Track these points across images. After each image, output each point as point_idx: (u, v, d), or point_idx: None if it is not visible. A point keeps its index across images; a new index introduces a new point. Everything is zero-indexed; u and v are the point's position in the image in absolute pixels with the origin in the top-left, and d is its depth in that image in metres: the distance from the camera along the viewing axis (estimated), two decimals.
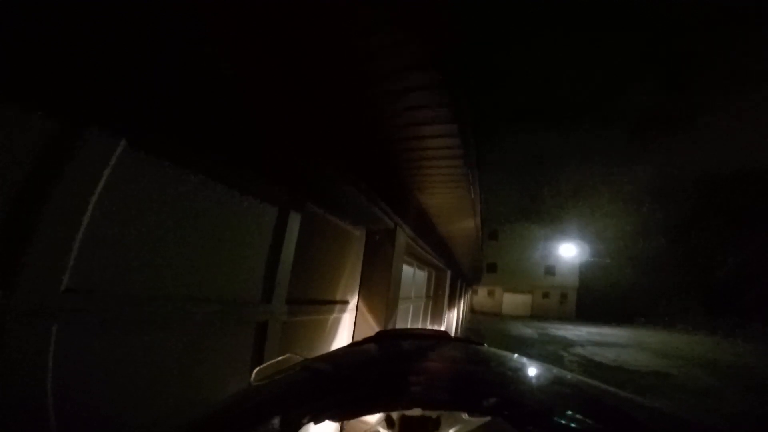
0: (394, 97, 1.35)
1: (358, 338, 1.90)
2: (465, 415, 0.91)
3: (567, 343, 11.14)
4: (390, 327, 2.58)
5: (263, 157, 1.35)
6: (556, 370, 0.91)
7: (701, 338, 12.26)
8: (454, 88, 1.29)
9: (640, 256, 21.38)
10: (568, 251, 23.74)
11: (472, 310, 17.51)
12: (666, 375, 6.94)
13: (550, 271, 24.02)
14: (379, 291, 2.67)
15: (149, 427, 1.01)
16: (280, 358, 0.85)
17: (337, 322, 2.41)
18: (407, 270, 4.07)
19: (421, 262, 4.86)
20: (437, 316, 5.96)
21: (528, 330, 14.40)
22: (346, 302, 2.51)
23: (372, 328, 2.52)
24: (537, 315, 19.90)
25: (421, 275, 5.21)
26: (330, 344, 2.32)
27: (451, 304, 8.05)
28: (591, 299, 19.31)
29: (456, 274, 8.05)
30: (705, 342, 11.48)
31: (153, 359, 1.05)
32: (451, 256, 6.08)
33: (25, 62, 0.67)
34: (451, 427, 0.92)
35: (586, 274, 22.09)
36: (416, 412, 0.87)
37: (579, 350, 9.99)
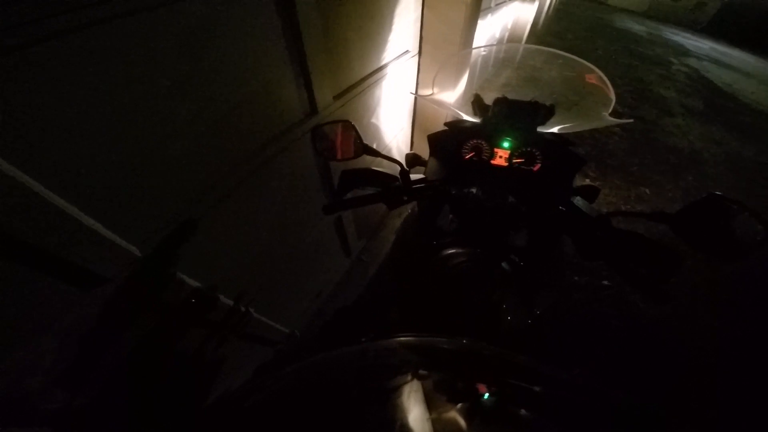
0: None
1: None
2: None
3: (681, 51, 8.81)
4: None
5: None
6: None
7: None
8: None
9: None
10: None
11: None
12: None
13: None
14: None
15: None
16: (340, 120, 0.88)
17: None
18: None
19: None
20: None
21: (637, 26, 11.29)
22: None
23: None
24: (655, 15, 15.08)
25: None
26: (388, 9, 1.67)
27: None
28: (737, 14, 13.75)
29: None
30: None
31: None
32: None
33: None
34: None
35: None
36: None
37: (693, 62, 7.95)
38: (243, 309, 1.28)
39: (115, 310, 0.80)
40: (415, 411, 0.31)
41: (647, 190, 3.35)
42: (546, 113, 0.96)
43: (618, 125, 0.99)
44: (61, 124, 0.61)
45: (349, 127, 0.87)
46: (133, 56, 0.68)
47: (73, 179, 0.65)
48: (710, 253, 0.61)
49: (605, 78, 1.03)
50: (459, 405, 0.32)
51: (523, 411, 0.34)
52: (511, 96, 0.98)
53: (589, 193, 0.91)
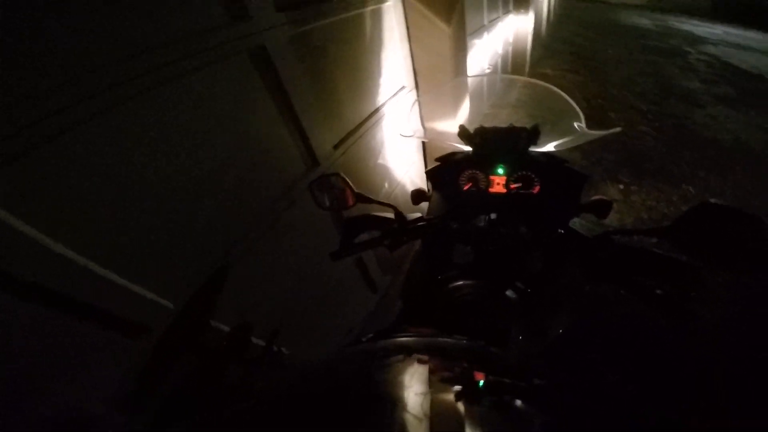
0: None
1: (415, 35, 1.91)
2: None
3: (695, 40, 8.50)
4: (457, 17, 1.96)
5: None
6: None
7: None
8: None
9: None
10: None
11: None
12: None
13: None
14: None
15: None
16: (331, 173, 0.90)
17: (376, 17, 1.65)
18: None
19: None
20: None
21: (643, 20, 11.11)
22: None
23: (434, 24, 1.88)
24: (656, 6, 14.85)
25: None
26: (373, 50, 1.69)
27: None
28: None
29: None
30: None
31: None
32: None
33: None
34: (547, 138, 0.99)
35: None
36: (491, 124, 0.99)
37: (710, 49, 7.62)
38: (275, 349, 1.33)
39: (157, 355, 0.90)
40: (415, 387, 0.32)
41: (691, 188, 3.06)
42: (530, 135, 0.95)
43: (607, 135, 0.95)
44: (102, 211, 0.75)
45: (339, 179, 0.90)
46: (147, 135, 0.81)
47: (112, 251, 0.77)
48: (712, 263, 0.59)
49: (565, 95, 1.06)
50: (455, 387, 0.33)
51: (518, 402, 0.34)
52: (502, 123, 1.00)
53: (600, 208, 0.87)
